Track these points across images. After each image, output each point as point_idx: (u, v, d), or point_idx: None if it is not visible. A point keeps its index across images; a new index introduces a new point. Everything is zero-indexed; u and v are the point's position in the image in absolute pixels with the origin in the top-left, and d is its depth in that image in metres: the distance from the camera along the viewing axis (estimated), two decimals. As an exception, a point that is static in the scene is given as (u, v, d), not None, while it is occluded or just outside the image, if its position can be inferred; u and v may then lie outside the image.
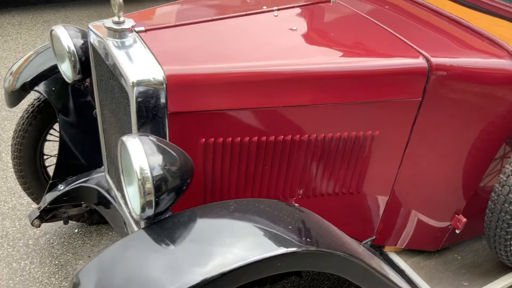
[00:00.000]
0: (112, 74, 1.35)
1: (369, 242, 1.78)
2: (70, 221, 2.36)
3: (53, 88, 1.84)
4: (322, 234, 1.22)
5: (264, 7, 1.59)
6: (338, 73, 1.34)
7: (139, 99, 1.22)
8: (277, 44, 1.42)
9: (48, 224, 2.40)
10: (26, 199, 2.57)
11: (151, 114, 1.25)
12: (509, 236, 1.54)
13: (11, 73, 1.88)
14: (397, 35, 1.49)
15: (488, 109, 1.48)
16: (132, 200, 1.16)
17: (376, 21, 1.57)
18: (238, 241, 1.08)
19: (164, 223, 1.12)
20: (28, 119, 2.00)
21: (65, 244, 2.33)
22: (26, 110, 2.01)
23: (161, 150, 1.12)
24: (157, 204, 1.10)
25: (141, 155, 1.07)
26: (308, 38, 1.48)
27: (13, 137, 2.05)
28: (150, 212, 1.10)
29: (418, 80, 1.40)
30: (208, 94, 1.27)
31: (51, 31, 1.67)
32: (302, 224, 1.20)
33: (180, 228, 1.10)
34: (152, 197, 1.08)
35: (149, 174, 1.06)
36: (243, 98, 1.30)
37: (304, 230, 1.18)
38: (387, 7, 1.70)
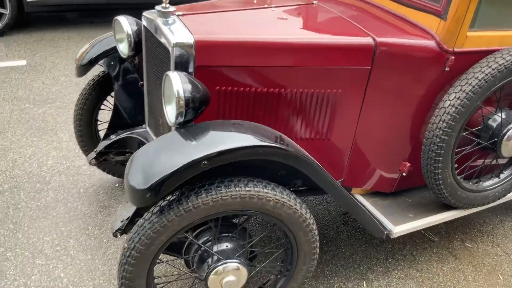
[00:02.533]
0: (159, 43, 2.01)
1: (339, 183, 2.37)
2: (112, 177, 3.02)
3: (112, 63, 2.53)
4: (294, 145, 1.84)
5: (265, 5, 2.26)
6: (311, 44, 1.98)
7: (176, 55, 1.87)
8: (272, 26, 2.08)
9: (96, 178, 3.06)
10: (77, 162, 3.23)
11: (184, 66, 1.90)
12: (436, 171, 2.11)
13: (81, 53, 2.58)
14: (355, 23, 2.13)
15: (420, 76, 2.09)
16: (169, 113, 1.80)
17: (342, 15, 2.22)
18: (236, 136, 1.71)
19: (189, 127, 1.76)
20: (89, 90, 2.68)
21: (108, 193, 2.97)
22: (88, 83, 2.69)
23: (191, 82, 1.76)
24: (185, 114, 1.74)
25: (178, 81, 1.71)
26: (294, 23, 2.14)
27: (76, 104, 2.72)
28: (181, 119, 1.74)
29: (367, 53, 2.02)
30: (222, 55, 1.92)
31: (115, 19, 2.37)
32: (280, 138, 1.81)
33: (198, 129, 1.73)
34: (183, 109, 1.71)
35: (182, 94, 1.70)
36: (245, 59, 1.94)
37: (281, 139, 1.80)
38: (353, 8, 2.36)
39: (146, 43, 2.22)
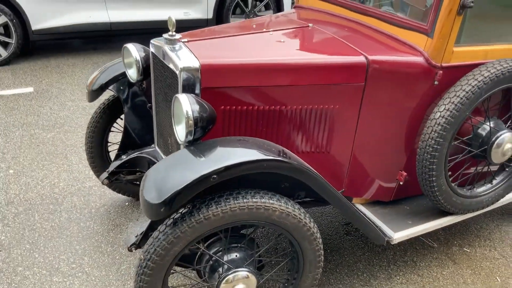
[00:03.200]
0: (167, 67, 2.16)
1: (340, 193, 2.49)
2: (122, 196, 3.14)
3: (121, 88, 2.68)
4: (296, 159, 1.97)
5: (264, 29, 2.42)
6: (308, 64, 2.13)
7: (184, 79, 2.01)
8: (271, 49, 2.23)
9: (106, 197, 3.18)
10: (88, 183, 3.36)
11: (191, 89, 2.04)
12: (431, 179, 2.24)
13: (91, 79, 2.73)
14: (348, 43, 2.28)
15: (411, 90, 2.23)
16: (179, 132, 1.94)
17: (335, 36, 2.37)
18: (242, 151, 1.84)
19: (197, 145, 1.89)
20: (99, 114, 2.82)
21: (119, 211, 3.09)
22: (99, 107, 2.84)
23: (198, 103, 1.90)
24: (194, 133, 1.87)
25: (187, 103, 1.85)
26: (291, 45, 2.29)
27: (88, 127, 2.86)
28: (190, 138, 1.88)
29: (361, 71, 2.17)
30: (226, 77, 2.07)
31: (124, 47, 2.52)
32: (283, 152, 1.95)
33: (206, 146, 1.87)
34: (192, 128, 1.85)
35: (191, 114, 1.84)
36: (247, 80, 2.09)
37: (283, 153, 1.93)
38: (346, 29, 2.51)
39: (154, 68, 2.37)
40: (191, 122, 1.84)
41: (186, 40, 2.21)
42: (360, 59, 2.16)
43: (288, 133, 2.26)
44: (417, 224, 2.43)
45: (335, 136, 2.32)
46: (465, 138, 2.34)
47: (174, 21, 2.12)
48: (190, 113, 1.84)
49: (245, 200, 1.84)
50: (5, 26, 5.69)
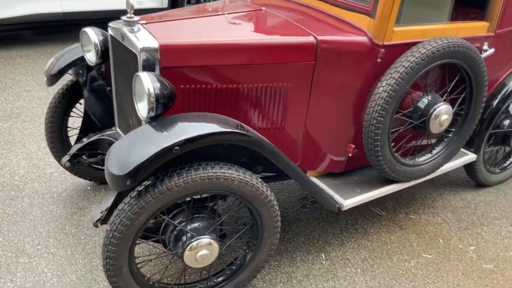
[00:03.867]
0: (126, 49, 2.25)
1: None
2: (84, 181, 3.20)
3: (80, 71, 2.74)
4: (254, 132, 2.11)
5: (219, 13, 2.54)
6: (261, 44, 2.27)
7: (143, 59, 2.11)
8: (226, 30, 2.36)
9: (68, 183, 3.23)
10: (48, 170, 3.39)
11: (151, 68, 2.14)
12: (376, 149, 2.44)
13: (49, 64, 2.77)
14: (299, 25, 2.44)
15: (357, 68, 2.41)
16: (141, 109, 2.04)
17: (287, 18, 2.53)
18: (202, 125, 1.97)
19: (159, 121, 2.00)
20: (58, 99, 2.87)
21: (81, 196, 3.15)
22: (57, 92, 2.88)
23: (159, 81, 2.00)
24: (156, 109, 1.98)
25: (148, 80, 1.95)
26: (245, 27, 2.43)
27: (47, 112, 2.90)
28: (152, 114, 1.98)
29: (310, 50, 2.33)
30: (184, 56, 2.18)
31: (82, 31, 2.58)
32: (241, 126, 2.09)
33: (168, 122, 1.98)
34: (153, 104, 1.96)
35: (152, 91, 1.95)
36: (204, 59, 2.21)
37: (241, 126, 2.07)
38: (297, 12, 2.68)
39: (113, 51, 2.45)
40: (152, 98, 1.95)
41: (144, 22, 2.30)
42: (310, 39, 2.32)
43: (245, 110, 2.40)
44: (365, 192, 2.63)
45: (289, 113, 2.48)
46: (407, 111, 2.55)
47: (132, 3, 2.21)
48: (151, 89, 1.95)
49: (205, 171, 1.97)
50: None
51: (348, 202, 2.53)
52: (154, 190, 1.92)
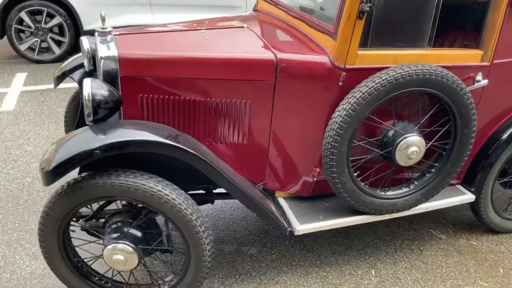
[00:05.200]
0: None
1: (261, 186, 2.63)
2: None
3: (80, 76, 2.99)
4: (192, 144, 2.15)
5: (199, 28, 2.63)
6: (220, 60, 2.30)
7: (104, 67, 2.27)
8: (192, 45, 2.43)
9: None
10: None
11: (111, 76, 2.29)
12: (333, 175, 2.33)
13: (58, 68, 3.06)
14: (267, 43, 2.44)
15: (318, 90, 2.34)
16: (85, 113, 2.19)
17: (260, 36, 2.53)
18: (132, 132, 2.07)
19: (99, 124, 2.13)
20: (72, 98, 3.16)
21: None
22: (73, 93, 3.17)
23: (102, 88, 2.14)
24: (94, 114, 2.11)
25: (88, 87, 2.09)
26: (214, 43, 2.47)
27: (65, 110, 3.21)
28: (90, 118, 2.12)
29: (270, 68, 2.31)
30: (142, 67, 2.29)
31: (80, 39, 2.83)
32: (176, 136, 2.14)
33: (105, 126, 2.10)
34: (90, 110, 2.09)
35: (90, 97, 2.08)
36: (162, 71, 2.30)
37: (176, 137, 2.12)
38: (278, 30, 2.67)
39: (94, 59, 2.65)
40: (89, 103, 2.09)
41: (118, 33, 2.46)
42: (270, 57, 2.31)
43: (204, 124, 2.44)
44: (327, 220, 2.52)
45: (251, 130, 2.47)
46: (374, 139, 2.41)
47: (104, 15, 2.38)
48: (90, 96, 2.08)
49: (119, 178, 2.04)
50: (60, 26, 6.44)
51: (303, 227, 2.44)
52: (78, 184, 2.04)
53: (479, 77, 2.45)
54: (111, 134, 2.06)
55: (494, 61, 2.46)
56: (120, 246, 2.15)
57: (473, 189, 2.79)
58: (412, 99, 2.39)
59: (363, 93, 2.20)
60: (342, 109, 2.23)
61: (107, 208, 2.39)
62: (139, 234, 2.21)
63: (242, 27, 2.70)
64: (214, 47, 2.43)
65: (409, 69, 2.20)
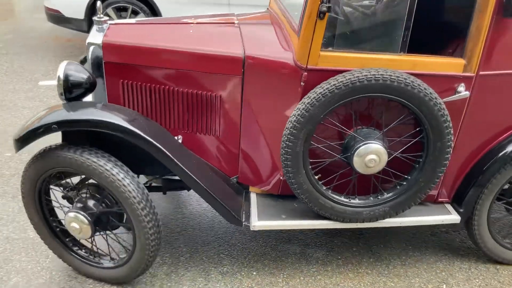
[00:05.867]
0: (94, 43, 2.66)
1: (235, 179, 2.69)
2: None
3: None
4: (149, 129, 2.28)
5: (191, 21, 2.76)
6: (192, 53, 2.41)
7: (91, 52, 2.50)
8: (174, 37, 2.56)
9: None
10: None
11: (97, 61, 2.51)
12: (289, 175, 2.31)
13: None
14: (243, 39, 2.49)
15: (283, 88, 2.32)
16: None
17: (242, 33, 2.58)
18: (91, 111, 2.26)
19: (71, 103, 2.35)
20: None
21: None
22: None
23: (77, 70, 2.35)
24: (66, 93, 2.33)
25: (62, 69, 2.31)
26: (194, 36, 2.58)
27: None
28: (63, 97, 2.34)
29: (238, 64, 2.37)
30: (124, 54, 2.48)
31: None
32: (135, 119, 2.29)
33: (73, 105, 2.31)
34: (62, 89, 2.31)
35: (62, 78, 2.29)
36: (143, 59, 2.47)
37: (134, 120, 2.27)
38: (265, 28, 2.69)
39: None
40: (60, 84, 2.31)
41: (113, 23, 2.68)
42: (238, 53, 2.37)
43: (180, 114, 2.57)
44: (288, 220, 2.48)
45: (222, 122, 2.55)
46: (337, 143, 2.35)
47: (100, 5, 2.61)
48: (61, 77, 2.31)
49: (76, 154, 2.23)
50: (144, 22, 6.95)
51: (259, 223, 2.45)
52: (44, 152, 2.29)
53: (460, 88, 2.26)
54: (72, 112, 2.26)
55: (481, 73, 2.26)
56: (76, 215, 2.35)
57: (461, 210, 2.58)
58: (382, 106, 2.29)
59: (317, 94, 2.16)
60: (297, 109, 2.21)
61: (89, 181, 2.60)
62: (97, 209, 2.39)
63: (233, 23, 2.77)
64: (192, 41, 2.53)
65: (367, 74, 2.12)
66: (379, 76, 2.11)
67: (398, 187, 2.42)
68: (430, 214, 2.57)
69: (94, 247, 2.61)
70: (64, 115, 2.23)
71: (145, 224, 2.27)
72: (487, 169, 2.46)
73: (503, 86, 2.32)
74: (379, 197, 2.43)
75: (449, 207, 2.63)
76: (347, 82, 2.12)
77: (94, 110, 2.29)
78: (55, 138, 2.31)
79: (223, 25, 2.76)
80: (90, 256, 2.60)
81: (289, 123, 2.23)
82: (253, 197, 2.67)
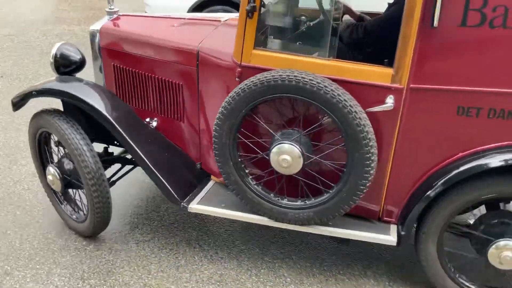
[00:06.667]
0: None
1: (199, 165, 2.88)
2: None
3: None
4: (116, 109, 2.63)
5: (184, 17, 3.03)
6: (159, 44, 2.70)
7: (92, 37, 2.94)
8: (158, 29, 2.87)
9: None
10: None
11: (96, 46, 2.95)
12: (218, 164, 2.43)
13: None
14: (210, 35, 2.68)
15: (225, 82, 2.47)
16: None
17: (213, 30, 2.77)
18: (66, 85, 2.68)
19: (60, 77, 2.80)
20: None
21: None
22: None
23: (72, 51, 2.80)
24: (57, 69, 2.78)
25: (55, 48, 2.77)
26: (174, 30, 2.85)
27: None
28: (55, 73, 2.81)
29: (193, 57, 2.58)
30: (115, 42, 2.88)
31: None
32: (102, 95, 2.65)
33: (60, 79, 2.76)
34: (53, 65, 2.77)
35: (53, 55, 2.76)
36: (128, 47, 2.84)
37: (100, 96, 2.64)
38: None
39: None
40: (52, 61, 2.77)
41: (122, 14, 3.09)
42: (194, 46, 2.59)
43: (153, 97, 2.89)
44: (224, 209, 2.59)
45: (185, 110, 2.78)
46: (263, 139, 2.40)
47: (111, -1, 3.05)
48: (52, 54, 2.77)
49: (54, 118, 2.66)
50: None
51: (196, 207, 2.61)
52: (35, 114, 2.79)
53: (389, 100, 2.15)
54: (53, 84, 2.71)
55: (411, 85, 2.11)
56: (49, 169, 2.80)
57: (403, 232, 2.40)
58: (304, 108, 2.29)
59: (238, 89, 2.26)
60: (223, 101, 2.34)
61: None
62: (66, 167, 2.81)
63: (218, 22, 2.96)
64: (167, 34, 2.82)
65: (282, 73, 2.15)
66: (292, 77, 2.13)
67: (325, 194, 2.37)
68: (366, 230, 2.45)
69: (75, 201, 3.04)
70: (45, 85, 2.69)
71: (89, 187, 2.62)
72: (428, 193, 2.27)
73: (437, 104, 2.13)
74: (306, 201, 2.41)
75: (394, 227, 2.48)
76: (263, 80, 2.19)
77: (67, 84, 2.71)
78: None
79: (206, 24, 2.97)
80: (71, 209, 3.03)
81: (217, 114, 2.36)
82: (210, 184, 2.83)
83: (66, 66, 2.79)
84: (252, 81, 2.21)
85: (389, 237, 2.40)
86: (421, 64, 2.07)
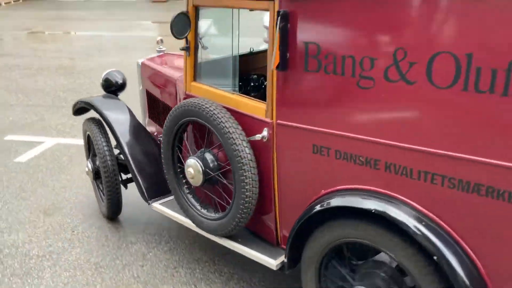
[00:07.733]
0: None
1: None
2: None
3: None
4: (120, 115, 3.50)
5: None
6: (162, 75, 3.48)
7: (138, 67, 3.92)
8: (173, 65, 3.66)
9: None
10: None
11: (139, 74, 3.91)
12: (165, 171, 3.02)
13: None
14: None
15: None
16: (111, 88, 3.90)
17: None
18: (99, 101, 3.67)
19: (106, 94, 3.80)
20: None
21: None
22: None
23: (116, 76, 3.78)
24: (105, 89, 3.79)
25: (105, 73, 3.79)
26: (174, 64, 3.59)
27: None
28: (103, 91, 3.83)
29: (173, 83, 3.28)
30: (148, 72, 3.78)
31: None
32: (117, 110, 3.55)
33: (104, 96, 3.77)
34: (102, 87, 3.80)
35: (103, 78, 3.78)
36: (151, 77, 3.71)
37: (114, 110, 3.54)
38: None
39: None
40: (102, 82, 3.79)
41: (167, 53, 4.00)
42: (175, 77, 3.31)
43: (163, 116, 3.66)
44: (176, 212, 3.13)
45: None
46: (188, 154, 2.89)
47: (160, 39, 3.97)
48: (103, 79, 3.78)
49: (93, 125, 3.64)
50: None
51: (155, 205, 3.22)
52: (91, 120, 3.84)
53: (264, 131, 2.41)
54: (90, 99, 3.70)
55: (278, 121, 2.35)
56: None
57: (285, 260, 2.53)
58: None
59: (171, 111, 2.83)
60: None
61: None
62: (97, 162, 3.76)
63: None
64: (170, 68, 3.58)
65: (191, 101, 2.64)
66: (196, 104, 2.61)
67: (227, 208, 2.70)
68: (258, 250, 2.64)
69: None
70: (87, 99, 3.70)
71: (104, 179, 3.59)
72: (302, 223, 2.38)
73: (298, 141, 2.28)
74: (214, 213, 2.79)
75: (279, 250, 2.62)
76: (179, 105, 2.72)
77: (99, 99, 3.65)
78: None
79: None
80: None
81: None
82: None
83: (109, 87, 3.76)
84: (176, 106, 2.76)
85: (270, 260, 2.56)
86: (281, 102, 2.30)
